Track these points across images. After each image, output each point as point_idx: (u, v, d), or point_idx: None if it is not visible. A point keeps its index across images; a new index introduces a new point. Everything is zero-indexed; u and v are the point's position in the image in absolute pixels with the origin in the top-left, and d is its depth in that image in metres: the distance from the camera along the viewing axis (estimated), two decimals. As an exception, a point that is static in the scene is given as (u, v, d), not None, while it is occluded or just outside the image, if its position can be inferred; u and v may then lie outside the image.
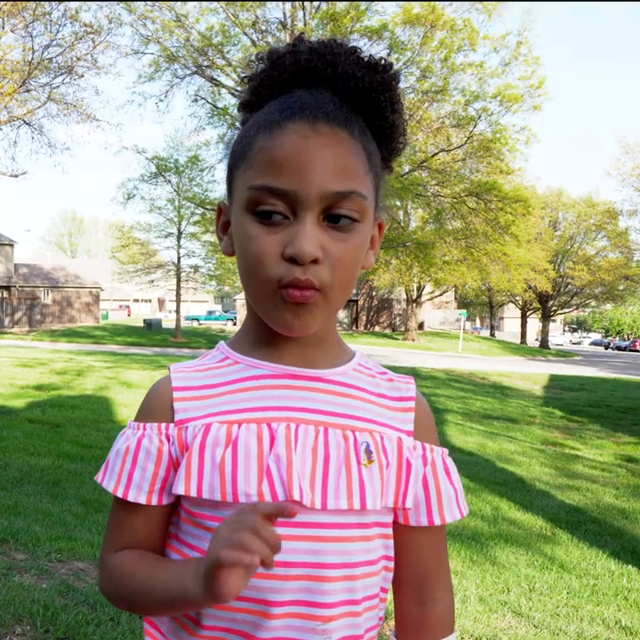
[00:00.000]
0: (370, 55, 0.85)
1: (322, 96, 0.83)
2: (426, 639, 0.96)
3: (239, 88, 0.93)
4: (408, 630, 0.96)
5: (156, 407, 0.91)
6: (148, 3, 22.03)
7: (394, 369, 1.03)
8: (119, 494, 0.89)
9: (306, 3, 22.34)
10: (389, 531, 0.93)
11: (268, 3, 22.78)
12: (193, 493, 0.84)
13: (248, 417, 0.86)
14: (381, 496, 0.87)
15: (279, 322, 0.84)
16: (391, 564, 0.94)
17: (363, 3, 21.62)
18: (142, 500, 0.88)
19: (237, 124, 0.95)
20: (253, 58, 0.90)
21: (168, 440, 0.88)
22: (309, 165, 0.78)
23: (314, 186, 0.78)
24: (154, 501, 0.89)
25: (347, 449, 0.86)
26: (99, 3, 21.79)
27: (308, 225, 0.79)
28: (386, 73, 0.84)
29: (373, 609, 0.91)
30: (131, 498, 0.88)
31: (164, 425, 0.88)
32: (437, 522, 0.93)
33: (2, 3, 20.12)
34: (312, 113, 0.80)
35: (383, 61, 0.85)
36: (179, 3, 22.22)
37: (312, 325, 0.84)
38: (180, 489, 0.84)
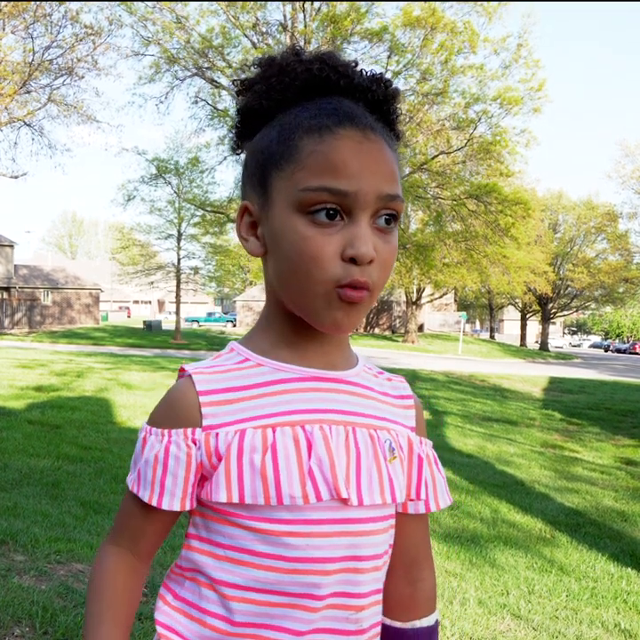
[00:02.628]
0: (371, 70, 0.89)
1: (358, 106, 0.86)
2: (415, 616, 1.03)
3: (236, 90, 0.93)
4: (399, 609, 1.03)
5: (182, 412, 0.89)
6: (149, 4, 22.04)
7: (393, 371, 1.06)
8: (154, 503, 0.89)
9: (306, 5, 22.36)
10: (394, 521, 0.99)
11: (268, 5, 22.80)
12: (235, 499, 0.85)
13: (281, 421, 0.87)
14: (405, 490, 0.95)
15: (329, 321, 0.85)
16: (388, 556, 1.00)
17: (363, 5, 21.63)
18: (177, 507, 0.89)
19: (235, 127, 0.95)
20: (250, 62, 0.92)
21: (195, 445, 0.87)
22: (367, 168, 0.81)
23: (372, 187, 0.81)
24: (187, 506, 0.90)
25: (374, 447, 0.90)
26: (99, 4, 21.80)
27: (364, 226, 0.82)
28: (390, 86, 0.90)
29: (381, 592, 0.97)
30: (165, 506, 0.89)
31: (190, 430, 0.87)
32: (433, 508, 1.00)
33: (3, 3, 20.11)
34: (360, 121, 0.83)
35: (384, 75, 0.90)
36: (179, 4, 22.22)
37: (357, 323, 0.88)
38: (221, 496, 0.85)
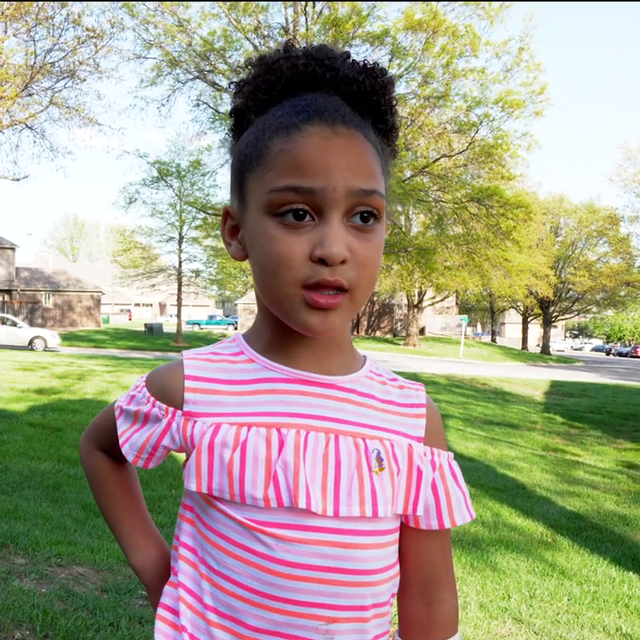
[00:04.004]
0: (363, 60, 0.86)
1: (333, 99, 0.83)
2: (436, 637, 0.97)
3: (231, 92, 0.92)
4: (415, 631, 0.98)
5: (168, 391, 0.93)
6: (151, 7, 22.08)
7: (396, 374, 1.03)
8: (120, 443, 0.97)
9: (308, 8, 22.39)
10: (397, 536, 0.94)
11: (270, 8, 22.85)
12: (204, 490, 0.87)
13: (257, 421, 0.87)
14: (392, 503, 0.88)
15: (302, 324, 0.83)
16: (398, 569, 0.95)
17: (365, 8, 21.66)
18: (130, 459, 0.97)
19: (229, 131, 0.95)
20: (243, 64, 0.90)
21: (174, 421, 0.91)
22: (334, 163, 0.78)
23: (340, 182, 0.78)
24: (139, 464, 0.97)
25: (358, 456, 0.87)
26: (101, 6, 21.84)
27: (334, 225, 0.79)
28: (383, 76, 0.85)
29: (384, 616, 0.92)
30: (127, 456, 0.97)
31: (171, 409, 0.91)
32: (448, 525, 0.93)
33: (6, 5, 20.14)
34: (330, 115, 0.80)
35: (378, 65, 0.86)
36: (181, 7, 22.26)
37: (337, 327, 0.84)
38: (191, 485, 0.87)
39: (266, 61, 0.86)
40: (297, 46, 0.88)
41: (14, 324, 26.10)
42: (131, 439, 0.96)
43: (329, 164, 0.78)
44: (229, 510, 0.86)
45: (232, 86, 0.91)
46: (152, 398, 0.94)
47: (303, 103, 0.82)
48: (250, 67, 0.88)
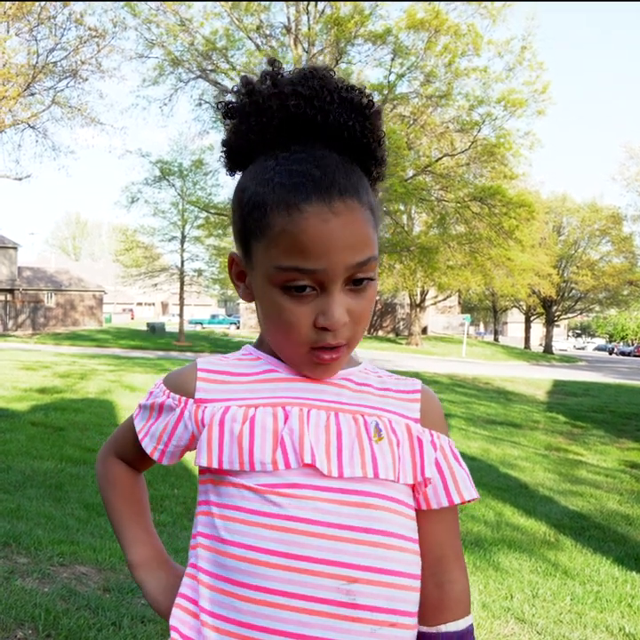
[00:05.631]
0: (349, 88, 0.89)
1: (326, 162, 0.88)
2: (443, 620, 0.99)
3: (222, 112, 0.97)
4: (427, 612, 0.99)
5: (182, 384, 1.02)
6: (152, 6, 22.08)
7: (397, 373, 1.07)
8: (139, 438, 1.04)
9: (310, 7, 22.38)
10: (414, 514, 0.98)
11: (272, 8, 22.83)
12: (214, 465, 0.92)
13: (265, 402, 0.95)
14: (393, 469, 0.92)
15: (308, 373, 0.96)
16: (418, 547, 0.98)
17: (367, 8, 21.64)
18: (149, 452, 1.03)
19: (221, 160, 1.00)
20: (233, 88, 0.94)
21: (186, 409, 0.99)
22: (333, 247, 0.85)
23: (339, 263, 0.86)
24: (163, 460, 1.04)
25: (357, 428, 0.93)
26: (103, 6, 21.85)
27: (335, 296, 0.88)
28: (373, 114, 0.90)
29: (413, 590, 0.95)
30: (147, 449, 1.03)
31: (184, 398, 0.99)
32: (456, 500, 0.98)
33: (7, 5, 20.15)
34: (326, 191, 0.85)
35: (366, 99, 0.90)
36: (183, 6, 22.27)
37: (337, 371, 0.98)
38: (203, 461, 0.93)
39: (256, 98, 0.90)
40: (283, 72, 0.91)
41: None
42: (149, 432, 1.03)
43: (328, 247, 0.85)
44: (240, 480, 0.92)
45: (221, 107, 0.96)
46: (167, 391, 1.03)
47: (299, 170, 0.87)
48: (241, 95, 0.92)
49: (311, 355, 0.92)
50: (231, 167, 1.00)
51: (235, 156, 0.98)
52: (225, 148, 0.99)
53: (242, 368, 1.01)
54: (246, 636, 0.88)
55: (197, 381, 0.99)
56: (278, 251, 0.87)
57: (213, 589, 0.93)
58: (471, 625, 1.01)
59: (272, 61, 0.92)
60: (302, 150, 0.89)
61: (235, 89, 0.94)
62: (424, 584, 0.99)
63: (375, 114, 0.91)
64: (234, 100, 0.94)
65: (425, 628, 0.99)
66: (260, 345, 1.05)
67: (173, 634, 0.96)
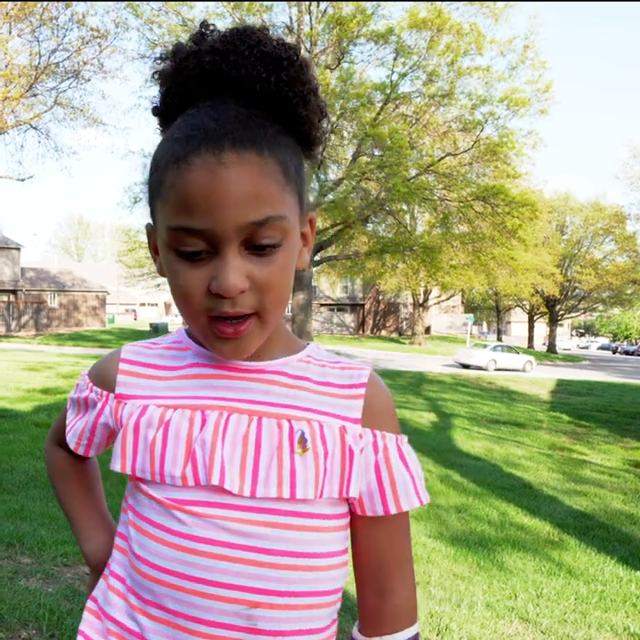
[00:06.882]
0: (275, 45, 0.80)
1: (226, 114, 0.79)
2: (384, 630, 0.94)
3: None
4: (367, 621, 0.95)
5: (105, 376, 0.97)
6: (154, 7, 22.11)
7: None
8: (66, 431, 1.03)
9: (312, 7, 22.39)
10: (344, 522, 0.91)
11: (274, 8, 22.85)
12: (128, 471, 0.88)
13: (184, 403, 0.88)
14: (316, 485, 0.84)
15: (217, 352, 0.86)
16: (345, 558, 0.91)
17: (369, 7, 21.64)
18: (71, 446, 1.02)
19: (158, 129, 0.92)
20: (161, 55, 0.86)
21: (107, 405, 0.95)
22: (220, 202, 0.76)
23: (228, 222, 0.76)
24: (80, 451, 1.03)
25: (280, 437, 0.85)
26: (105, 6, 21.88)
27: (229, 259, 0.78)
28: (292, 67, 0.80)
29: (328, 606, 0.89)
30: (69, 443, 1.03)
31: (105, 393, 0.95)
32: (393, 510, 0.90)
33: (9, 6, 20.19)
34: (217, 142, 0.76)
35: (289, 52, 0.81)
36: (185, 7, 22.30)
37: (251, 350, 0.85)
38: (116, 466, 0.88)
39: (177, 57, 0.83)
40: (212, 33, 0.83)
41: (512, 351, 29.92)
42: (74, 428, 1.01)
43: (215, 203, 0.76)
44: (151, 490, 0.87)
45: (156, 77, 0.87)
46: (91, 384, 0.99)
47: (194, 124, 0.79)
48: (165, 60, 0.85)
49: (212, 327, 0.82)
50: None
51: (164, 124, 0.89)
52: (156, 117, 0.91)
53: (167, 359, 0.94)
54: None
55: (118, 374, 0.94)
56: (169, 209, 0.79)
57: (124, 599, 0.91)
58: (414, 636, 0.95)
59: (204, 23, 0.85)
60: (208, 105, 0.81)
61: (162, 55, 0.85)
62: (364, 591, 0.95)
63: (296, 66, 0.81)
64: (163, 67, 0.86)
65: (360, 638, 0.95)
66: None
67: (79, 638, 0.95)
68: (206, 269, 0.79)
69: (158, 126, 0.92)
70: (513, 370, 27.62)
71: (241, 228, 0.77)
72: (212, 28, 0.84)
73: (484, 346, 29.26)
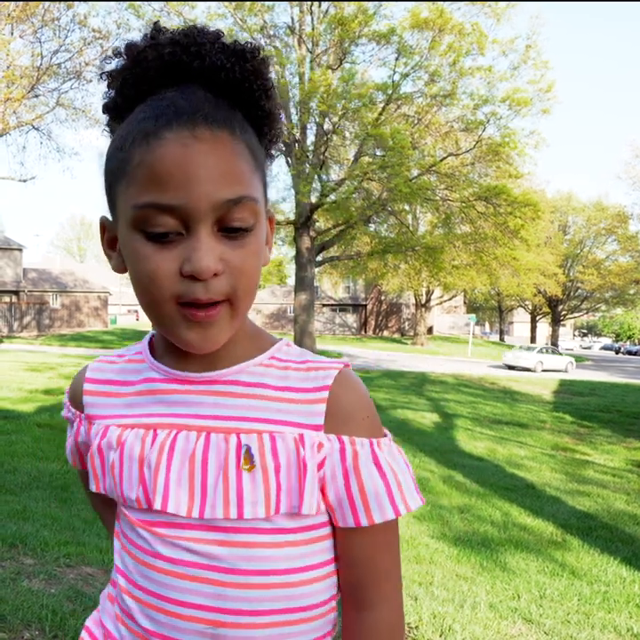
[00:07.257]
0: (235, 41, 0.80)
1: (195, 96, 0.77)
2: None
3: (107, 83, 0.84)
4: (345, 635, 0.90)
5: (74, 395, 0.99)
6: (156, 7, 22.12)
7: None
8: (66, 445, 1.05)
9: (314, 7, 22.39)
10: (315, 534, 0.86)
11: (275, 8, 22.84)
12: (101, 491, 0.91)
13: (139, 422, 0.88)
14: (266, 503, 0.80)
15: (183, 342, 0.80)
16: (329, 569, 0.88)
17: (371, 7, 21.63)
18: (70, 461, 1.05)
19: (105, 128, 0.88)
20: (110, 53, 0.82)
21: (81, 425, 0.97)
22: (194, 176, 0.73)
23: (202, 197, 0.73)
24: (79, 467, 1.05)
25: (226, 453, 0.81)
26: (107, 7, 21.90)
27: (203, 238, 0.74)
28: (255, 59, 0.80)
29: (306, 622, 0.85)
30: (69, 459, 1.05)
31: (78, 413, 0.97)
32: (364, 522, 0.83)
33: (11, 7, 20.21)
34: (189, 118, 0.74)
35: (250, 46, 0.80)
36: (186, 8, 22.31)
37: (221, 340, 0.81)
38: (92, 486, 0.91)
39: (132, 51, 0.80)
40: (169, 29, 0.81)
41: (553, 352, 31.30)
42: (68, 444, 1.04)
43: (189, 176, 0.73)
44: (123, 508, 0.89)
45: (103, 77, 0.83)
46: (68, 403, 1.01)
47: (164, 103, 0.76)
48: (118, 56, 0.82)
49: (182, 312, 0.77)
50: (113, 132, 0.85)
51: (115, 118, 0.84)
52: (106, 113, 0.86)
53: (127, 374, 0.92)
54: None
55: (84, 395, 0.94)
56: (136, 187, 0.75)
57: (116, 604, 0.94)
58: None
59: (156, 24, 0.82)
60: (174, 90, 0.78)
61: (115, 52, 0.82)
62: (345, 606, 0.90)
63: (259, 60, 0.80)
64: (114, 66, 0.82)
65: None
66: (158, 337, 0.94)
67: (83, 633, 0.99)
68: (177, 251, 0.75)
69: (106, 127, 0.87)
70: (557, 370, 28.81)
71: (215, 206, 0.74)
72: (164, 29, 0.81)
73: (531, 349, 30.26)
